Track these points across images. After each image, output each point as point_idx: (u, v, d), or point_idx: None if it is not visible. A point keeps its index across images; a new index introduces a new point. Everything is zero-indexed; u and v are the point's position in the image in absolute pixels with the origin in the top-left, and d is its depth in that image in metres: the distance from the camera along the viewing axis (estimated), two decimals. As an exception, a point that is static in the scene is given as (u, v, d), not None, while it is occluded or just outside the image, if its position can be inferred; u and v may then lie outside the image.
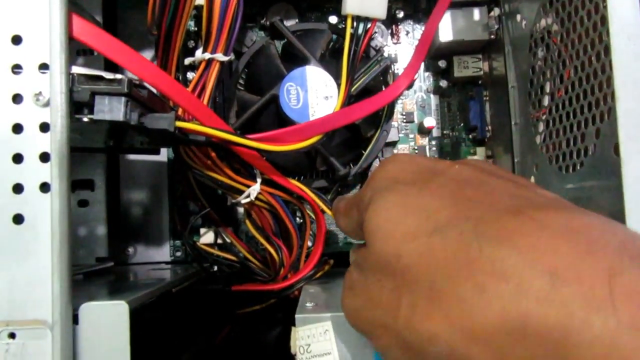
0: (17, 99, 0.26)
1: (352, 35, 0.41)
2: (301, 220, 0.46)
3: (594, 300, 0.16)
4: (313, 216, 0.44)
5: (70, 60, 0.27)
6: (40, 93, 0.26)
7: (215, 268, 0.48)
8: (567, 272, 0.17)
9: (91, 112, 0.27)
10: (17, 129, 0.26)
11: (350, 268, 0.26)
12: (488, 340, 0.18)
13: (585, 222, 0.19)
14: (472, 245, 0.19)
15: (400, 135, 0.53)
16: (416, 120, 0.53)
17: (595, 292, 0.16)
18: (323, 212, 0.43)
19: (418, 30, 0.53)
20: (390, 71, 0.51)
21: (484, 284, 0.18)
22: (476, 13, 0.48)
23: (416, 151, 0.53)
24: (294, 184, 0.42)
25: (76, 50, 0.47)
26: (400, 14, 0.52)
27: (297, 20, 0.51)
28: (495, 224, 0.19)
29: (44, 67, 0.26)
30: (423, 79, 0.54)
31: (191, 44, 0.49)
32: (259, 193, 0.41)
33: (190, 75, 0.48)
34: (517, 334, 0.17)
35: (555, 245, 0.18)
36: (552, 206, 0.20)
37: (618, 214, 0.27)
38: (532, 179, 0.41)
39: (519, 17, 0.43)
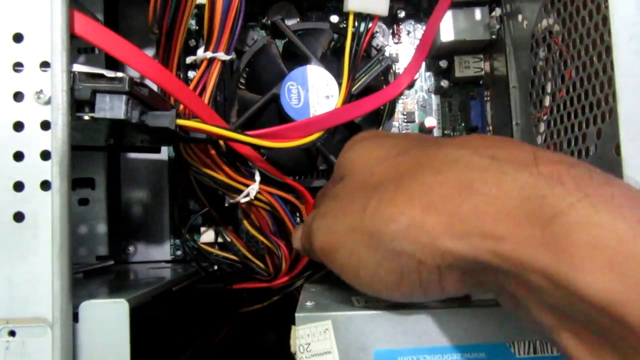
0: (18, 96, 0.26)
1: (353, 33, 0.41)
2: (299, 219, 0.45)
3: (522, 163, 0.21)
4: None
5: (72, 59, 0.27)
6: (41, 91, 0.26)
7: (216, 267, 0.48)
8: (505, 154, 0.22)
9: (92, 110, 0.27)
10: (18, 126, 0.26)
11: (318, 200, 0.30)
12: (441, 205, 0.21)
13: (508, 140, 0.24)
14: (430, 150, 0.24)
15: (401, 135, 0.53)
16: (417, 120, 0.53)
17: (524, 159, 0.21)
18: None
19: (419, 30, 0.53)
20: (392, 71, 0.51)
21: (439, 167, 0.22)
22: (477, 13, 0.48)
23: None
24: (295, 182, 0.42)
25: (77, 48, 0.47)
26: (402, 14, 0.52)
27: (298, 20, 0.51)
28: (448, 141, 0.25)
29: (45, 65, 0.26)
30: (424, 79, 0.53)
31: (192, 42, 0.49)
32: (258, 192, 0.41)
33: (191, 74, 0.48)
34: (466, 194, 0.21)
35: (496, 144, 0.23)
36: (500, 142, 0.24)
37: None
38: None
39: (520, 17, 0.43)
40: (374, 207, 0.23)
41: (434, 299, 0.25)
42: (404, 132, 0.30)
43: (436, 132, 0.53)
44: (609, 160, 0.29)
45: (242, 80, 0.48)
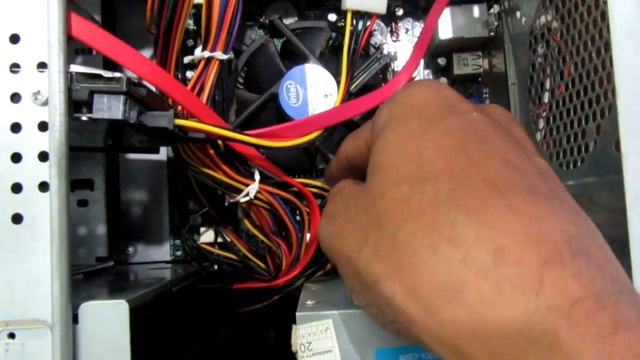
0: (15, 98, 0.26)
1: (351, 31, 0.41)
2: (300, 219, 0.45)
3: (523, 284, 0.18)
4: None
5: (69, 59, 0.27)
6: (38, 92, 0.26)
7: (216, 267, 0.48)
8: (510, 253, 0.18)
9: (90, 110, 0.27)
10: (16, 128, 0.26)
11: (334, 196, 0.27)
12: (425, 298, 0.20)
13: (547, 210, 0.20)
14: (441, 206, 0.20)
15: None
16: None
17: (528, 277, 0.18)
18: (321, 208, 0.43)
19: (417, 27, 0.53)
20: (390, 69, 0.51)
21: (438, 245, 0.20)
22: (476, 10, 0.48)
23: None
24: (295, 180, 0.42)
25: (75, 49, 0.46)
26: (400, 12, 0.52)
27: (296, 18, 0.51)
28: (471, 192, 0.20)
29: (42, 66, 0.26)
30: (423, 77, 0.53)
31: (190, 42, 0.49)
32: (258, 192, 0.41)
33: (189, 74, 0.48)
34: (453, 298, 0.19)
35: (511, 226, 0.19)
36: (528, 189, 0.21)
37: (619, 210, 0.27)
38: (533, 176, 0.41)
39: (518, 13, 0.43)
40: (368, 254, 0.22)
41: None
42: (462, 102, 0.24)
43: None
44: (609, 157, 0.29)
45: (241, 80, 0.48)
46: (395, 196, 0.22)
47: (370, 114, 0.44)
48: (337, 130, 0.46)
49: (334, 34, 0.48)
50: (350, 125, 0.45)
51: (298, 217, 0.46)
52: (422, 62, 0.53)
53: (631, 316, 0.17)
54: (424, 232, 0.20)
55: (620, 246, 0.28)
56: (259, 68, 0.47)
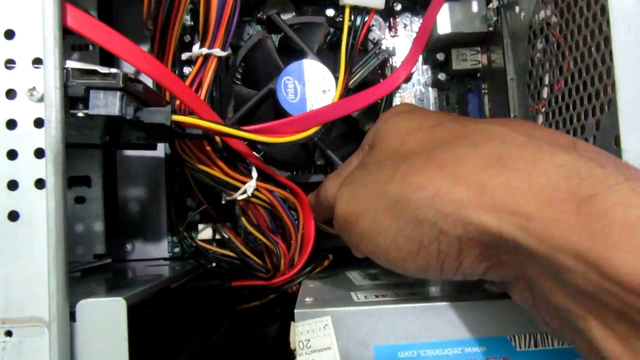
0: (10, 94, 0.26)
1: (349, 27, 0.40)
2: (297, 217, 0.45)
3: (559, 146, 0.21)
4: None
5: (65, 55, 0.26)
6: (34, 88, 0.26)
7: (214, 264, 0.47)
8: (541, 136, 0.22)
9: (86, 107, 0.27)
10: (11, 124, 0.26)
11: (343, 168, 0.32)
12: (472, 177, 0.21)
13: (545, 129, 0.25)
14: (467, 124, 0.24)
15: (399, 129, 0.52)
16: (414, 114, 0.53)
17: (563, 142, 0.22)
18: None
19: (416, 23, 0.53)
20: (388, 64, 0.50)
21: (476, 140, 0.23)
22: (474, 5, 0.48)
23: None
24: (288, 180, 0.42)
25: (71, 45, 0.46)
26: (398, 7, 0.52)
27: (294, 14, 0.51)
28: (489, 119, 0.26)
29: (37, 61, 0.26)
30: (421, 72, 0.53)
31: (187, 38, 0.49)
32: (256, 189, 0.41)
33: (186, 70, 0.48)
34: (501, 168, 0.21)
35: (535, 126, 0.24)
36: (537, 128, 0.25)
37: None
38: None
39: (517, 8, 0.43)
40: (402, 174, 0.23)
41: (449, 276, 0.24)
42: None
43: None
44: (609, 152, 0.29)
45: (238, 76, 0.48)
46: (418, 138, 0.25)
47: (368, 109, 0.44)
48: (336, 126, 0.46)
49: (332, 29, 0.48)
50: (349, 121, 0.45)
51: (295, 215, 0.45)
52: (420, 57, 0.53)
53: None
54: (460, 139, 0.23)
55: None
56: (257, 64, 0.46)
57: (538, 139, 0.22)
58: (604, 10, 0.28)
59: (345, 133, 0.46)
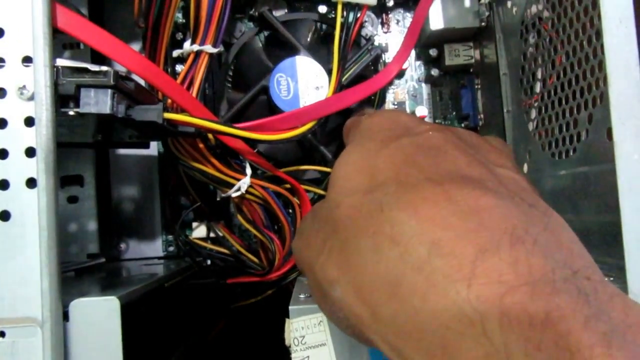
0: (0, 93, 0.26)
1: (342, 23, 0.40)
2: (292, 213, 0.45)
3: (456, 274, 0.17)
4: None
5: (55, 53, 0.26)
6: (24, 87, 0.26)
7: (209, 262, 0.47)
8: (446, 245, 0.18)
9: (77, 105, 0.27)
10: (1, 123, 0.26)
11: (306, 215, 0.27)
12: (368, 296, 0.20)
13: (492, 203, 0.19)
14: (384, 207, 0.20)
15: (392, 125, 0.52)
16: (408, 110, 0.53)
17: (461, 267, 0.17)
18: (312, 204, 0.43)
19: (408, 18, 0.53)
20: (381, 60, 0.51)
21: (380, 244, 0.20)
22: (467, 0, 0.48)
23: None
24: (286, 175, 0.42)
25: (62, 43, 0.46)
26: (391, 3, 0.52)
27: (286, 10, 0.50)
28: (412, 190, 0.20)
29: (27, 60, 0.26)
30: (414, 68, 0.53)
31: (179, 36, 0.48)
32: (250, 186, 0.41)
33: (179, 68, 0.48)
34: (391, 295, 0.19)
35: (449, 219, 0.19)
36: (475, 183, 0.20)
37: (612, 198, 0.27)
38: (525, 166, 0.41)
39: (509, 3, 0.43)
40: (323, 259, 0.22)
41: None
42: (418, 124, 0.25)
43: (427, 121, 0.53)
44: (601, 145, 0.29)
45: (229, 79, 0.48)
46: (348, 204, 0.22)
47: (361, 104, 0.44)
48: (330, 122, 0.45)
49: (319, 24, 0.47)
50: (346, 115, 0.45)
51: (290, 211, 0.45)
52: (413, 53, 0.53)
53: (569, 305, 0.16)
54: (368, 233, 0.20)
55: (612, 233, 0.28)
56: (245, 66, 0.46)
57: (438, 255, 0.18)
58: (595, 3, 0.28)
59: (339, 128, 0.46)
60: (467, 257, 0.18)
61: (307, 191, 0.44)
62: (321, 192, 0.45)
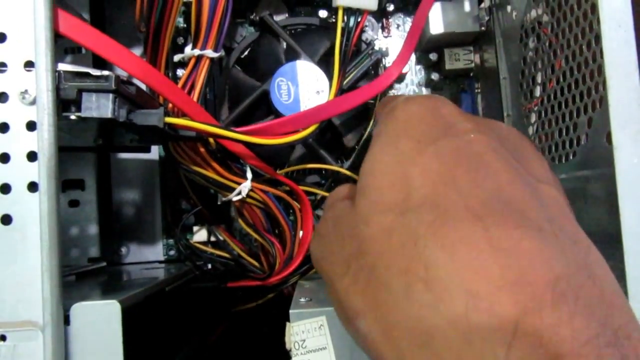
0: (2, 97, 0.26)
1: (343, 28, 0.40)
2: (293, 217, 0.45)
3: (495, 335, 0.16)
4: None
5: (57, 58, 0.26)
6: (26, 91, 0.26)
7: (209, 266, 0.47)
8: (484, 300, 0.17)
9: (78, 109, 0.27)
10: (3, 127, 0.26)
11: (327, 215, 0.25)
12: (397, 342, 0.19)
13: (535, 246, 0.18)
14: (419, 241, 0.19)
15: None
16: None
17: (501, 328, 0.16)
18: (314, 208, 0.43)
19: (409, 23, 0.53)
20: (382, 65, 0.51)
21: (412, 286, 0.18)
22: (466, 5, 0.48)
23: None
24: (287, 179, 0.42)
25: (64, 48, 0.46)
26: (391, 7, 0.52)
27: (286, 15, 0.51)
28: (450, 224, 0.19)
29: (29, 64, 0.26)
30: (414, 73, 0.53)
31: (180, 40, 0.49)
32: (251, 190, 0.41)
33: (180, 72, 0.48)
34: (422, 346, 0.18)
35: (489, 267, 0.17)
36: (516, 216, 0.19)
37: (612, 202, 0.27)
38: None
39: (509, 8, 0.43)
40: (347, 284, 0.21)
41: None
42: (461, 121, 0.22)
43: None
44: (600, 149, 0.29)
45: (239, 63, 0.48)
46: (379, 225, 0.20)
47: (360, 111, 0.44)
48: (330, 127, 0.46)
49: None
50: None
51: (291, 216, 0.45)
52: (413, 57, 0.53)
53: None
54: (400, 269, 0.19)
55: (612, 238, 0.28)
56: (262, 52, 0.46)
57: (476, 311, 0.17)
58: (594, 8, 0.28)
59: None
60: (507, 317, 0.16)
61: (309, 193, 0.44)
62: (324, 193, 0.45)
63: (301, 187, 0.43)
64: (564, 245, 0.18)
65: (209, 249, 0.47)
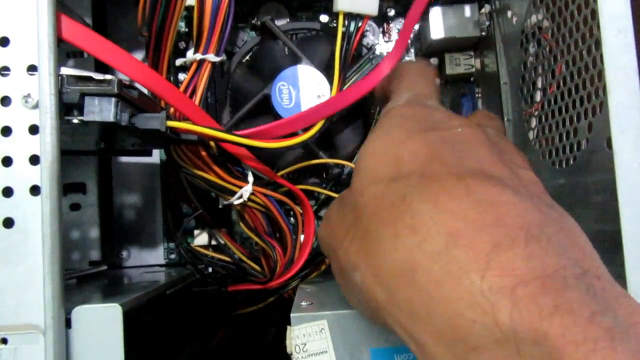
0: (5, 101, 0.26)
1: (343, 33, 0.41)
2: (294, 220, 0.45)
3: (471, 265, 0.18)
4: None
5: (60, 62, 0.26)
6: (29, 95, 0.26)
7: (210, 270, 0.47)
8: (463, 237, 0.19)
9: (81, 113, 0.27)
10: (6, 131, 0.26)
11: (333, 202, 0.28)
12: (386, 281, 0.21)
13: (511, 200, 0.20)
14: (407, 197, 0.21)
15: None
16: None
17: (476, 259, 0.18)
18: (316, 213, 0.43)
19: (409, 28, 0.53)
20: (382, 69, 0.51)
21: (399, 232, 0.21)
22: (467, 10, 0.48)
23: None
24: (288, 182, 0.42)
25: (66, 52, 0.46)
26: (392, 12, 0.52)
27: (288, 20, 0.51)
28: (435, 183, 0.21)
29: (32, 68, 0.26)
30: (415, 77, 0.53)
31: (182, 44, 0.49)
32: (252, 194, 0.41)
33: (181, 76, 0.48)
34: (408, 281, 0.20)
35: (468, 213, 0.20)
36: (496, 180, 0.21)
37: (612, 207, 0.27)
38: (526, 174, 0.41)
39: (509, 13, 0.43)
40: (346, 246, 0.24)
41: None
42: (450, 119, 0.25)
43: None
44: (601, 154, 0.29)
45: (241, 67, 0.48)
46: (372, 193, 0.23)
47: (357, 111, 0.44)
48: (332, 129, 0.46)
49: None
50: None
51: (292, 219, 0.45)
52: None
53: (577, 300, 0.17)
54: (389, 221, 0.21)
55: (613, 243, 0.28)
56: (263, 56, 0.46)
57: (455, 246, 0.19)
58: (594, 14, 0.28)
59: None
60: (482, 250, 0.18)
61: (311, 197, 0.44)
62: (326, 192, 0.45)
63: (302, 187, 0.43)
64: (540, 206, 0.20)
65: (210, 253, 0.47)
